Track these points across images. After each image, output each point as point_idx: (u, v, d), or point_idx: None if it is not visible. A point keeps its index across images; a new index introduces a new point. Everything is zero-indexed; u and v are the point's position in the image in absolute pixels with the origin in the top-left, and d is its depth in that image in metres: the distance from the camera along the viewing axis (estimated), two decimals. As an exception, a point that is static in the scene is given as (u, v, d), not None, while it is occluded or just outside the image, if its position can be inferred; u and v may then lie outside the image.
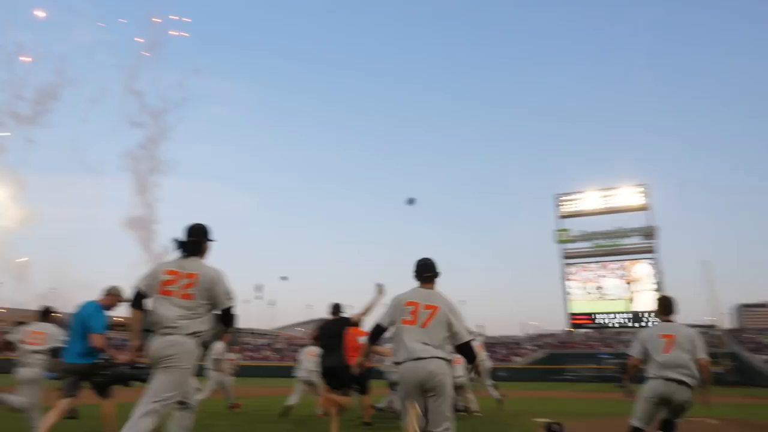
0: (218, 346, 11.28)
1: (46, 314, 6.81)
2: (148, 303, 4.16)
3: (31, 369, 6.28)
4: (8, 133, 66.81)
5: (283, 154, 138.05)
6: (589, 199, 55.70)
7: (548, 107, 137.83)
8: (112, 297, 6.01)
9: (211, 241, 4.43)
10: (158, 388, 3.92)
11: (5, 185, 58.97)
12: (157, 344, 3.98)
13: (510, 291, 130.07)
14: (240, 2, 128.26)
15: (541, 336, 59.73)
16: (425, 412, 4.18)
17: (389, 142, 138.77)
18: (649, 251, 51.81)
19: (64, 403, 5.61)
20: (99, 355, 5.62)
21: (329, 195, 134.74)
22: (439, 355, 4.20)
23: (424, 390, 4.16)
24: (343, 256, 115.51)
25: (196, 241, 4.33)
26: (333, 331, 7.37)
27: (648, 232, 51.92)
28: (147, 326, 4.14)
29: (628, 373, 5.74)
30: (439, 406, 4.14)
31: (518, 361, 51.82)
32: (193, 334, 4.04)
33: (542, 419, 9.82)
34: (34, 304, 58.10)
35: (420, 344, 4.21)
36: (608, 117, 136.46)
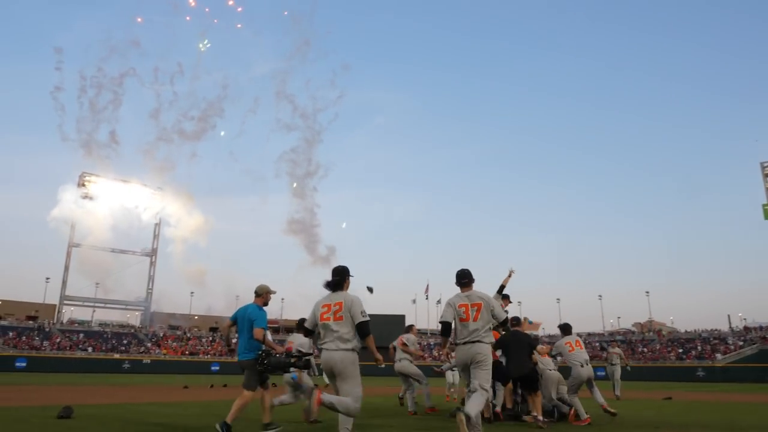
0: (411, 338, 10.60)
1: (300, 325, 7.90)
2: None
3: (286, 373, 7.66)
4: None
5: (446, 155, 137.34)
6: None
7: (745, 50, 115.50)
8: (263, 296, 6.78)
9: (351, 276, 5.69)
10: (343, 389, 5.32)
11: (179, 198, 66.12)
12: (324, 356, 5.36)
13: (709, 279, 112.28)
14: (396, 9, 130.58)
15: (749, 329, 50.11)
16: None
17: (564, 129, 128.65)
18: None
19: (246, 396, 6.37)
20: (260, 347, 6.42)
21: (495, 193, 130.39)
22: (483, 340, 6.04)
23: (471, 363, 6.01)
24: (509, 253, 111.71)
25: (339, 279, 5.60)
26: (518, 341, 8.38)
27: None
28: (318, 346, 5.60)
29: None
30: (479, 375, 5.94)
31: (720, 359, 43.97)
32: (343, 347, 5.29)
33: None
34: (224, 312, 65.33)
35: (472, 335, 6.06)
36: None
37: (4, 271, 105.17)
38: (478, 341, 5.98)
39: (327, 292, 5.66)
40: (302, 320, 7.40)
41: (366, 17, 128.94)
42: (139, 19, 63.69)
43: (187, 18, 66.31)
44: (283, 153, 75.31)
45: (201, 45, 64.22)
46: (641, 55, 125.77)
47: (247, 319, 6.51)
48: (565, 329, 9.41)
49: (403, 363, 9.94)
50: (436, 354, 57.11)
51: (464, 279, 6.33)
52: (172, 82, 78.93)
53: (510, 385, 8.87)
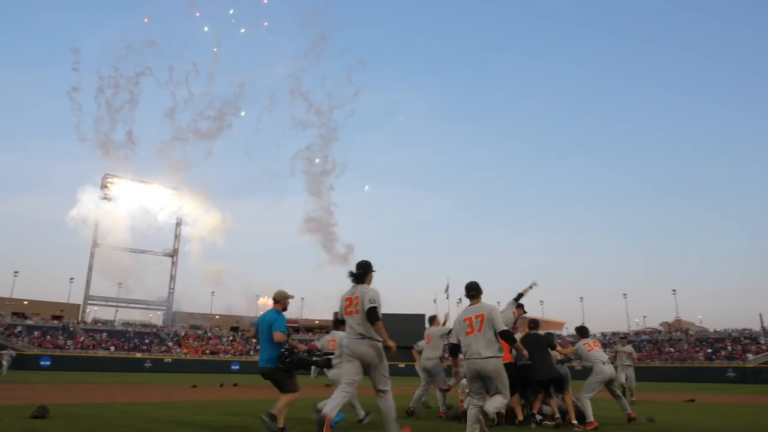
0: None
1: (337, 323, 8.33)
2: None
3: (332, 370, 7.86)
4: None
5: (465, 155, 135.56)
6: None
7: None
8: (281, 301, 6.80)
9: (373, 271, 5.99)
10: (349, 373, 5.70)
11: (196, 198, 66.29)
12: (347, 344, 5.78)
13: (739, 276, 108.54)
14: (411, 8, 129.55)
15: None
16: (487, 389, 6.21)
17: (587, 129, 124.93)
18: None
19: (291, 397, 6.44)
20: (281, 348, 6.44)
21: (515, 192, 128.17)
22: (492, 355, 6.09)
23: (483, 377, 6.12)
24: (530, 252, 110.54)
25: (362, 272, 5.92)
26: (538, 344, 8.39)
27: None
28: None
29: None
30: (496, 385, 6.06)
31: (752, 360, 42.35)
32: (369, 337, 5.64)
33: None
34: (244, 311, 65.57)
35: (480, 348, 6.12)
36: None
37: (31, 272, 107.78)
38: (486, 357, 6.05)
39: (350, 284, 5.93)
40: (339, 319, 7.64)
41: (386, 17, 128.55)
42: (146, 20, 64.30)
43: (197, 14, 66.51)
44: (299, 150, 74.94)
45: (213, 37, 63.54)
46: (643, 58, 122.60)
47: (266, 326, 6.54)
48: (582, 332, 9.49)
49: (432, 363, 9.68)
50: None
51: (472, 291, 6.54)
52: (188, 81, 79.60)
53: (517, 397, 8.50)
